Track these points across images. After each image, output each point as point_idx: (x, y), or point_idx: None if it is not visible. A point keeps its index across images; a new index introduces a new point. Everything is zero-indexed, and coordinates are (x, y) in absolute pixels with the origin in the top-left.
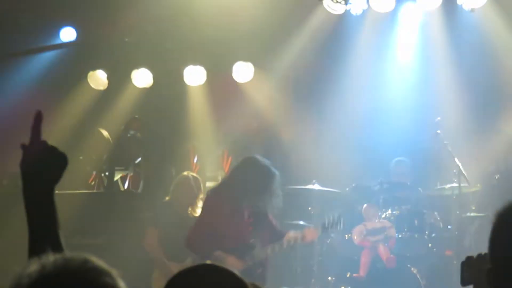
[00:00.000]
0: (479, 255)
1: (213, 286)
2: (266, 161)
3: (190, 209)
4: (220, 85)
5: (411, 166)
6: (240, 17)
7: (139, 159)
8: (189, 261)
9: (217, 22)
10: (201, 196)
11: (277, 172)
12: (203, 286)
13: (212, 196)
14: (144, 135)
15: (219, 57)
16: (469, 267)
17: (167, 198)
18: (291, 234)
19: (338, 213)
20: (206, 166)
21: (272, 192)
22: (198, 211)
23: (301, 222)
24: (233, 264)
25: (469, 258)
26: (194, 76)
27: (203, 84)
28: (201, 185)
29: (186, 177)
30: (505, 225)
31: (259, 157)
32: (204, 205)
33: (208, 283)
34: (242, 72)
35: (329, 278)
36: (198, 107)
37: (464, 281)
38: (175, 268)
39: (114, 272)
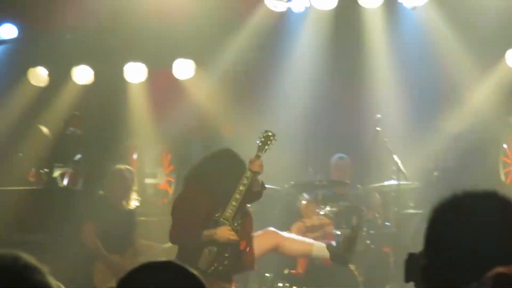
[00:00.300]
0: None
1: (172, 284)
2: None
3: (124, 202)
4: (161, 82)
5: (351, 163)
6: (181, 14)
7: (79, 156)
8: (129, 252)
9: (158, 19)
10: (135, 188)
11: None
12: (161, 283)
13: (188, 186)
14: (84, 132)
15: (159, 54)
16: (411, 263)
17: (101, 191)
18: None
19: (263, 132)
20: (146, 163)
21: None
22: (132, 204)
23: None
24: (224, 234)
25: (411, 255)
26: (135, 73)
27: (144, 81)
28: (135, 177)
29: (120, 169)
30: (439, 222)
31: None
32: (181, 196)
33: (166, 280)
34: (183, 69)
35: (267, 274)
36: (139, 104)
37: (407, 278)
38: (116, 259)
39: (44, 269)
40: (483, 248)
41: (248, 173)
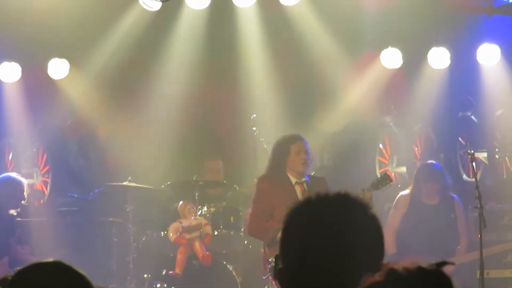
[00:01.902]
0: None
1: (60, 283)
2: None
3: (12, 211)
4: (35, 81)
5: (223, 164)
6: (55, 13)
7: None
8: (5, 260)
9: (32, 18)
10: (24, 202)
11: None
12: (50, 283)
13: (264, 180)
14: None
15: (34, 54)
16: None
17: None
18: None
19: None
20: (21, 163)
21: None
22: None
23: (118, 220)
24: None
25: (277, 256)
26: (9, 72)
27: (18, 81)
28: (26, 188)
29: (15, 180)
30: (292, 226)
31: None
32: (258, 190)
33: (54, 280)
34: (58, 68)
35: (145, 275)
36: (13, 104)
37: (275, 274)
38: None
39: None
40: (330, 251)
41: None
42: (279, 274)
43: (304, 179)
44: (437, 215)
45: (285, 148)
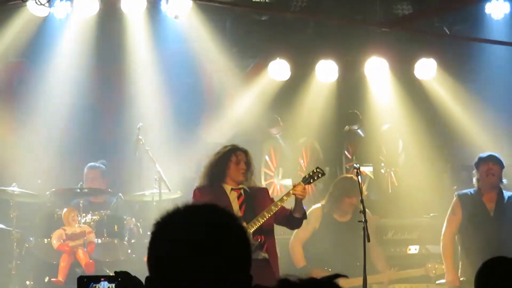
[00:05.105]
0: None
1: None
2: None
3: None
4: None
5: (107, 171)
6: None
7: None
8: None
9: None
10: None
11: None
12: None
13: (196, 191)
14: None
15: None
16: None
17: None
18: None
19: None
20: None
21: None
22: None
23: (1, 226)
24: None
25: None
26: None
27: None
28: None
29: None
30: (155, 237)
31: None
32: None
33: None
34: None
35: (28, 282)
36: None
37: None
38: None
39: None
40: (198, 262)
41: (285, 197)
42: (146, 283)
43: (242, 185)
44: (350, 232)
45: (225, 158)
